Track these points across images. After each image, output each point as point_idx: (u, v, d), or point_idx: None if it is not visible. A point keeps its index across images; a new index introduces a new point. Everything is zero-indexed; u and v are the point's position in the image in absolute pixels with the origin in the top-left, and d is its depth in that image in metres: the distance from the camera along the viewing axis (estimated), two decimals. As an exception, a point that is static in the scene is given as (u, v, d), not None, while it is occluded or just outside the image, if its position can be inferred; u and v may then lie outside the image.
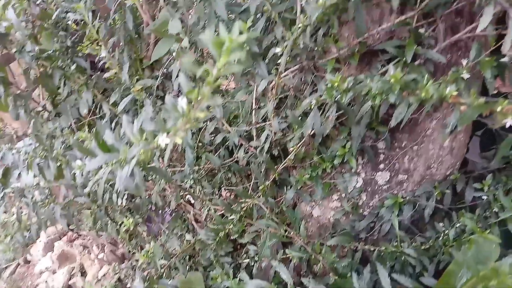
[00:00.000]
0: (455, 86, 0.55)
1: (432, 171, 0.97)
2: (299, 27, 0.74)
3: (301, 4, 0.80)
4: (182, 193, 1.22)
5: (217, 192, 1.25)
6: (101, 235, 1.76)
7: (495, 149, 1.08)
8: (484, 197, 0.92)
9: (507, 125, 0.50)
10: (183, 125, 0.41)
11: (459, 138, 0.95)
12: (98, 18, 1.23)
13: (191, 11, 1.02)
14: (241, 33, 0.34)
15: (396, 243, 0.94)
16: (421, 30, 0.76)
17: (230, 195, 1.34)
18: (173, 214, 1.36)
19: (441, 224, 0.95)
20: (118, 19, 1.25)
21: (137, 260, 1.21)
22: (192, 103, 0.40)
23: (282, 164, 0.98)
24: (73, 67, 1.18)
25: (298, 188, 1.04)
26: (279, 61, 0.83)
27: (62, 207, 1.17)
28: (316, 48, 0.83)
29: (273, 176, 1.01)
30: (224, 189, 1.25)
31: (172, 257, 1.10)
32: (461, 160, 1.00)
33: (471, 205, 0.97)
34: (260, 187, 1.01)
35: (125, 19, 1.25)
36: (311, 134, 0.90)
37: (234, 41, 0.34)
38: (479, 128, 1.11)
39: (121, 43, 1.28)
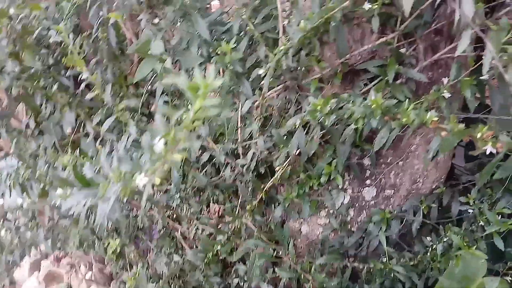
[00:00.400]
0: (435, 112, 0.55)
1: (418, 186, 0.97)
2: (281, 50, 0.74)
3: (283, 25, 0.80)
4: (169, 213, 1.20)
5: (205, 209, 1.23)
6: (89, 252, 1.72)
7: (478, 160, 1.09)
8: (470, 211, 0.93)
9: (488, 152, 0.50)
10: (161, 166, 0.40)
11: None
12: (80, 33, 1.21)
13: (174, 30, 1.01)
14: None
15: (385, 259, 0.94)
16: (402, 50, 0.77)
17: (219, 210, 1.32)
18: (161, 232, 1.34)
19: (428, 238, 0.95)
20: (101, 36, 1.24)
21: (124, 282, 1.18)
22: (169, 144, 0.39)
23: (269, 183, 0.97)
24: (55, 86, 1.16)
25: (286, 205, 1.03)
26: (263, 81, 0.83)
27: (47, 229, 1.14)
28: (299, 68, 0.83)
29: (261, 195, 1.01)
30: (213, 203, 1.23)
31: (160, 279, 1.08)
32: (446, 173, 1.01)
33: (458, 218, 0.98)
34: (248, 207, 1.01)
35: (108, 36, 1.24)
36: (297, 152, 0.90)
37: (209, 86, 0.34)
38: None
39: (104, 60, 1.26)
